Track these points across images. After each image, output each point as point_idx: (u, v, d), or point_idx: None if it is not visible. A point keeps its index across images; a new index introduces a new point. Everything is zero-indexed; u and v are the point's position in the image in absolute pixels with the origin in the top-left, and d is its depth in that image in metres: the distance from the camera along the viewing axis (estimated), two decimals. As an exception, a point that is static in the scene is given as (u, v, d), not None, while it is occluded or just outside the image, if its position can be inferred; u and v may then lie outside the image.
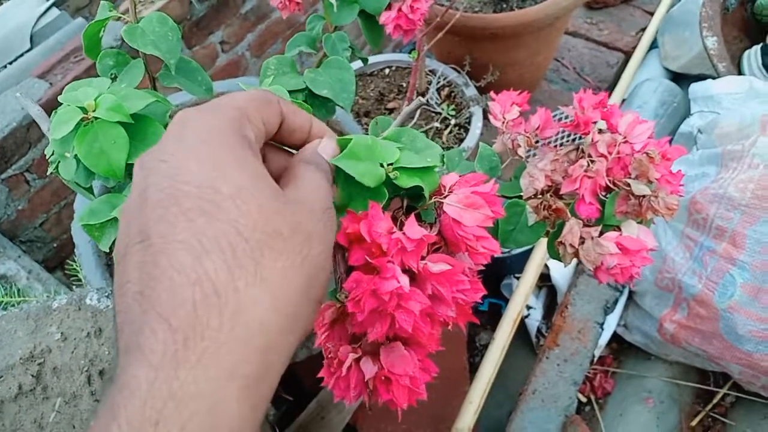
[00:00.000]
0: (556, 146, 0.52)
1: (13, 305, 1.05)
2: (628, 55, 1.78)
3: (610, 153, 0.47)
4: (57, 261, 1.50)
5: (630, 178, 0.47)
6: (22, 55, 1.52)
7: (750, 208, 1.02)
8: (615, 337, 1.36)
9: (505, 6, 1.34)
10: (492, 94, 0.56)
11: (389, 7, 0.75)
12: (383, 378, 0.38)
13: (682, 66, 1.67)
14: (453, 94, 1.31)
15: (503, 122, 0.54)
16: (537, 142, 0.54)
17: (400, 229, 0.38)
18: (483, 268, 0.41)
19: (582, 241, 0.47)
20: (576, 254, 0.48)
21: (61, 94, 0.56)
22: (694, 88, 1.28)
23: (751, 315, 1.03)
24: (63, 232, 1.48)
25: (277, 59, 0.75)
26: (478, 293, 0.44)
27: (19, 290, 1.23)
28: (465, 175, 0.41)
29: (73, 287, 1.24)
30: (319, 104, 0.77)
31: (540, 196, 0.51)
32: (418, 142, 0.52)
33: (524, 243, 0.54)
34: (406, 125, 0.60)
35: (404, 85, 1.32)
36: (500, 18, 1.24)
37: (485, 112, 1.24)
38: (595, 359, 1.32)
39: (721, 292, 1.06)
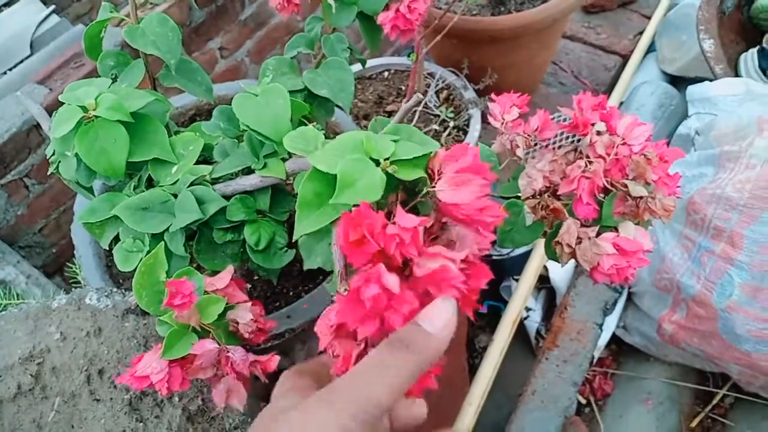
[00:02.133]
0: (554, 148, 0.52)
1: (13, 306, 1.05)
2: (625, 58, 1.79)
3: (608, 154, 0.47)
4: (56, 266, 1.50)
5: (628, 179, 0.48)
6: (22, 61, 1.52)
7: (747, 208, 1.03)
8: (614, 339, 1.37)
9: (503, 9, 1.35)
10: (492, 95, 0.56)
11: (387, 7, 0.76)
12: None
13: (679, 69, 1.68)
14: (451, 97, 1.32)
15: (502, 123, 0.54)
16: (536, 143, 0.54)
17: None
18: (488, 248, 0.40)
19: (579, 241, 0.48)
20: (573, 254, 0.48)
21: (60, 100, 0.57)
22: (692, 90, 1.28)
23: (750, 315, 1.04)
24: (62, 237, 1.49)
25: (276, 59, 0.75)
26: (483, 279, 0.43)
27: (17, 295, 1.23)
28: (447, 151, 0.41)
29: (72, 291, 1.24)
30: (318, 105, 0.77)
31: (538, 196, 0.51)
32: (416, 136, 0.53)
33: (522, 243, 0.54)
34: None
35: (403, 88, 1.32)
36: (498, 21, 1.25)
37: (483, 115, 1.24)
38: (595, 360, 1.32)
39: (719, 292, 1.07)
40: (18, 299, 1.17)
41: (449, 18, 1.03)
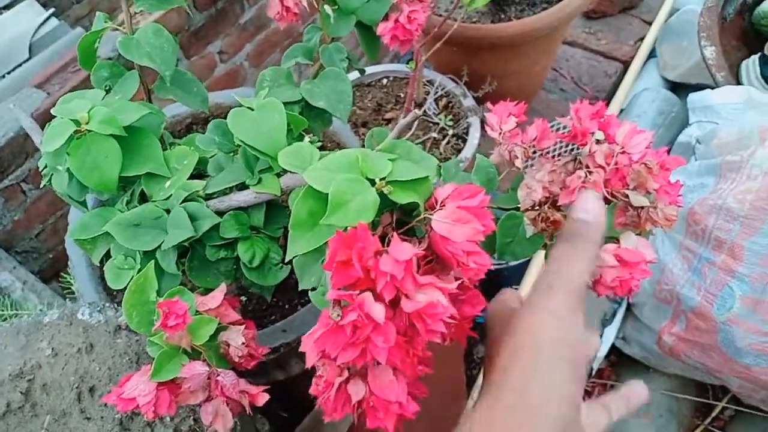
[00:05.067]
0: (553, 157, 0.51)
1: (5, 318, 1.04)
2: (626, 64, 1.78)
3: (608, 164, 0.46)
4: (52, 272, 1.49)
5: (628, 189, 0.47)
6: (20, 64, 1.52)
7: (749, 220, 1.02)
8: (614, 350, 1.35)
9: (503, 16, 1.34)
10: (489, 104, 0.55)
11: (386, 17, 0.75)
12: (371, 404, 0.37)
13: (681, 75, 1.67)
14: (451, 105, 1.31)
15: (500, 133, 0.53)
16: (534, 152, 0.53)
17: (387, 245, 0.37)
18: (482, 278, 0.40)
19: None
20: None
21: (59, 104, 0.56)
22: (693, 98, 1.27)
23: (750, 328, 1.03)
24: (59, 242, 1.47)
25: (273, 70, 0.74)
26: (478, 306, 0.43)
27: (13, 301, 1.22)
28: (458, 187, 0.40)
29: (68, 299, 1.23)
30: (315, 116, 0.76)
31: (537, 207, 0.50)
32: (413, 154, 0.52)
33: (522, 255, 0.54)
34: (404, 134, 0.59)
35: (402, 95, 1.31)
36: (498, 28, 1.24)
37: (483, 123, 1.23)
38: (594, 372, 1.31)
39: (719, 305, 1.06)
40: (13, 307, 1.16)
41: (449, 26, 1.02)
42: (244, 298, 0.87)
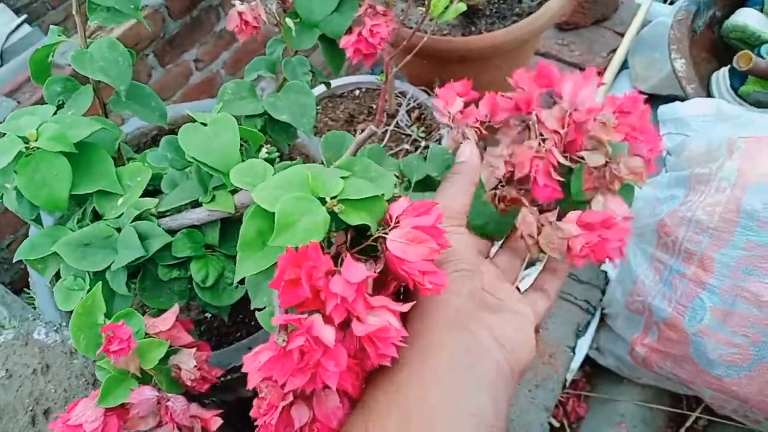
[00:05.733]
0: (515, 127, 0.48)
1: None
2: (598, 76, 1.79)
3: (565, 125, 0.44)
4: (24, 283, 1.46)
5: (587, 150, 0.44)
6: (-10, 72, 1.49)
7: (718, 232, 1.02)
8: (588, 360, 1.35)
9: (473, 29, 1.34)
10: (437, 90, 0.52)
11: (350, 31, 0.74)
12: (315, 430, 0.36)
13: (653, 87, 1.68)
14: (423, 116, 1.31)
15: (449, 117, 0.51)
16: (498, 129, 0.50)
17: (340, 265, 0.36)
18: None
19: (540, 229, 0.45)
20: (538, 245, 0.45)
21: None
22: (663, 109, 1.28)
23: (721, 339, 1.03)
24: (28, 254, 1.44)
25: (235, 83, 0.73)
26: None
27: (-22, 316, 1.19)
28: (412, 203, 0.39)
29: (36, 312, 1.20)
30: (279, 129, 0.75)
31: (502, 186, 0.48)
32: (371, 171, 0.51)
33: (498, 233, 0.51)
34: (378, 145, 0.58)
35: (374, 106, 1.31)
36: (468, 41, 1.24)
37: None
38: (568, 383, 1.31)
39: (690, 316, 1.06)
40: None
41: (419, 38, 1.01)
42: (208, 315, 0.85)
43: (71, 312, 0.79)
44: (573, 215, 0.43)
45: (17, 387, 0.64)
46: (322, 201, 0.40)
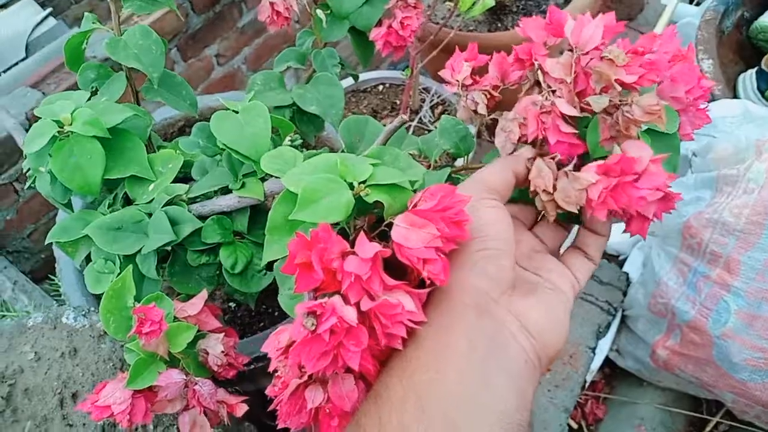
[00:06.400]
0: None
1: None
2: (625, 75, 1.77)
3: (574, 72, 0.39)
4: (45, 272, 1.48)
5: (594, 95, 0.39)
6: (16, 63, 1.51)
7: (745, 234, 1.01)
8: (607, 362, 1.34)
9: (499, 25, 1.33)
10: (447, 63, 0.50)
11: (380, 23, 0.74)
12: (327, 411, 0.36)
13: (679, 88, 1.66)
14: (447, 112, 1.30)
15: (458, 85, 0.48)
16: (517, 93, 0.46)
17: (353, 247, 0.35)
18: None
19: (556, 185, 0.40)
20: (554, 203, 0.41)
21: (55, 104, 0.55)
22: (690, 111, 1.26)
23: (746, 343, 1.02)
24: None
25: (263, 74, 0.73)
26: None
27: (2, 302, 1.21)
28: (429, 188, 0.38)
29: (55, 301, 1.22)
30: (307, 120, 0.76)
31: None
32: (401, 160, 0.51)
33: (524, 198, 0.46)
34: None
35: (398, 102, 1.31)
36: (495, 37, 1.24)
37: (479, 132, 1.22)
38: (587, 384, 1.30)
39: (715, 319, 1.04)
40: (2, 308, 1.15)
41: (445, 33, 1.01)
42: (232, 305, 0.86)
43: (97, 297, 0.80)
44: (591, 165, 0.39)
45: (46, 369, 0.65)
46: (350, 186, 0.40)
